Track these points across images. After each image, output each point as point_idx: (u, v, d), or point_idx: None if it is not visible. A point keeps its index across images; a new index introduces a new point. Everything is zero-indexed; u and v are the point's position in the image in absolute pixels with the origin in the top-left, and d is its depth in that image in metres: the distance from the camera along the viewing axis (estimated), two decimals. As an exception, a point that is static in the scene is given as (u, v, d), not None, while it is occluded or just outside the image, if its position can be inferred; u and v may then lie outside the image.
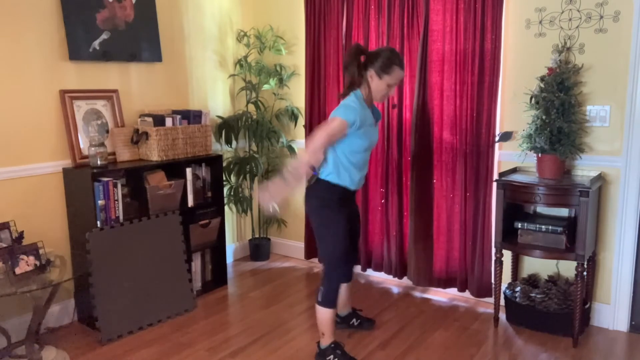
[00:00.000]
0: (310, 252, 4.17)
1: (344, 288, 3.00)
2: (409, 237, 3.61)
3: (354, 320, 3.09)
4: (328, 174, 2.64)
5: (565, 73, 2.90)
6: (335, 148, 2.60)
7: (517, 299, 3.14)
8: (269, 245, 4.40)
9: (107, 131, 3.30)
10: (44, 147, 3.03)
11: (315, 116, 3.97)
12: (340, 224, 2.65)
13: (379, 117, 2.84)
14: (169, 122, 3.38)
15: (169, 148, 3.36)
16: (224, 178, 3.92)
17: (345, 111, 2.54)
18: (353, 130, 2.54)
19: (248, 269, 4.17)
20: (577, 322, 2.87)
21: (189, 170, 3.49)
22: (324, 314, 2.67)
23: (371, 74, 2.61)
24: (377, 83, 2.61)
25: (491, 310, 3.28)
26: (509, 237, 3.05)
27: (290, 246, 4.43)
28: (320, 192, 2.67)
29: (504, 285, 3.31)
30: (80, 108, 3.17)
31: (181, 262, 3.37)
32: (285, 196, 2.45)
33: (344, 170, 2.63)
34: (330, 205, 2.65)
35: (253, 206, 4.32)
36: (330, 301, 2.66)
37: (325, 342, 2.71)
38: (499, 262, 3.08)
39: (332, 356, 2.68)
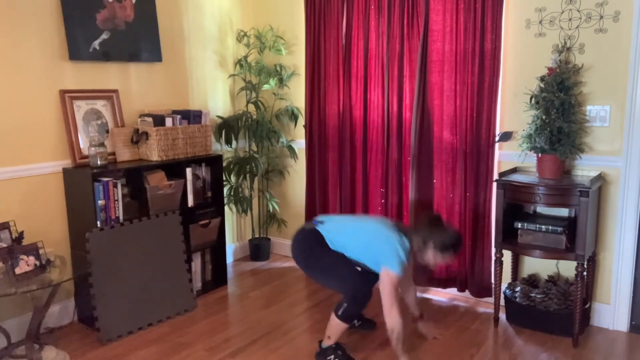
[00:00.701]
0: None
1: None
2: (409, 237, 3.61)
3: (356, 320, 3.09)
4: (332, 242, 2.74)
5: (565, 73, 2.90)
6: (361, 259, 2.73)
7: (517, 299, 3.14)
8: (269, 245, 4.40)
9: (107, 131, 3.30)
10: (44, 147, 3.03)
11: (315, 116, 3.97)
12: (330, 253, 2.73)
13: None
14: (169, 122, 3.38)
15: (169, 148, 3.36)
16: (224, 178, 3.92)
17: (401, 267, 2.61)
18: None
19: (248, 269, 4.17)
20: (577, 322, 2.87)
21: (189, 170, 3.49)
22: (339, 326, 2.67)
23: (429, 244, 2.66)
24: (430, 253, 2.69)
25: (491, 310, 3.28)
26: (509, 237, 3.05)
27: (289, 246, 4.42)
28: (312, 240, 2.77)
29: (504, 285, 3.31)
30: (80, 108, 3.17)
31: (181, 262, 3.37)
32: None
33: (346, 252, 2.74)
34: (319, 246, 2.75)
35: (253, 206, 4.32)
36: (349, 318, 2.67)
37: (328, 343, 2.72)
38: (499, 262, 3.08)
39: (332, 356, 2.69)
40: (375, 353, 2.85)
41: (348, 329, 2.98)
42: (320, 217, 2.90)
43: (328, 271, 2.75)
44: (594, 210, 2.91)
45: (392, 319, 2.60)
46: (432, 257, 2.70)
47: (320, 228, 2.79)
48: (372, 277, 2.80)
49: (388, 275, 2.61)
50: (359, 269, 2.79)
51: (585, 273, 2.91)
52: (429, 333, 2.98)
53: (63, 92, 3.07)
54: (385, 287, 2.61)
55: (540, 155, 2.97)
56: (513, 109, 3.24)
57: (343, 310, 2.64)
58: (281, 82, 4.16)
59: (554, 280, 3.19)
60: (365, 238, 2.74)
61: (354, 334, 3.05)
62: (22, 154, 2.94)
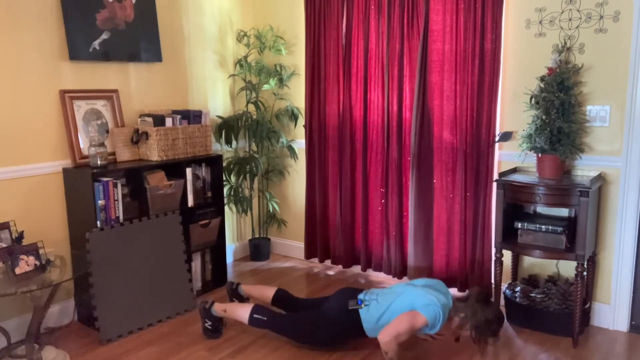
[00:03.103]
0: (310, 252, 4.17)
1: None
2: (409, 237, 3.61)
3: (208, 321, 3.08)
4: (369, 315, 2.72)
5: (565, 73, 2.90)
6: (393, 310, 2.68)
7: (517, 299, 3.14)
8: (269, 245, 4.40)
9: (107, 131, 3.30)
10: (44, 147, 3.03)
11: (315, 116, 3.97)
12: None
13: None
14: (169, 122, 3.38)
15: (169, 148, 3.36)
16: (224, 178, 3.92)
17: (435, 317, 2.57)
18: None
19: (248, 269, 4.16)
20: (577, 322, 2.87)
21: (189, 170, 3.49)
22: (240, 317, 2.89)
23: (467, 326, 2.63)
24: (464, 326, 2.65)
25: (491, 310, 3.27)
26: (509, 237, 3.05)
27: (290, 246, 4.43)
28: (349, 320, 2.76)
29: (504, 285, 3.31)
30: (80, 108, 3.17)
31: (181, 262, 3.37)
32: None
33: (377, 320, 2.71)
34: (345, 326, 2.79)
35: (253, 206, 4.32)
36: (252, 324, 2.87)
37: (220, 314, 2.96)
38: (499, 262, 3.08)
39: (210, 323, 2.96)
40: (375, 353, 2.85)
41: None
42: (366, 295, 2.82)
43: (316, 315, 2.86)
44: (594, 210, 2.91)
45: (389, 346, 2.56)
46: (463, 329, 2.66)
47: (362, 311, 2.74)
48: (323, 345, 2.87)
49: (414, 315, 2.57)
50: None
51: (585, 273, 2.92)
52: (428, 335, 2.97)
53: (63, 92, 3.07)
54: (403, 320, 2.57)
55: (540, 155, 2.97)
56: (513, 109, 3.24)
57: (256, 322, 2.85)
58: (281, 82, 4.16)
59: (554, 280, 3.19)
60: (411, 293, 2.69)
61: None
62: (22, 154, 2.94)
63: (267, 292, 3.11)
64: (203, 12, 3.91)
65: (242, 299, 3.24)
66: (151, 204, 3.26)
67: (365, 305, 2.74)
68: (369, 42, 3.65)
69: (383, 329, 2.62)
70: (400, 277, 3.75)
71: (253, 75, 4.15)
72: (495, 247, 3.07)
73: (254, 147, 4.21)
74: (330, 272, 4.05)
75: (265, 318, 2.84)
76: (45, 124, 3.03)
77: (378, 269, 3.88)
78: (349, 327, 2.78)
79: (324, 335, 2.82)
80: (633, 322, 3.07)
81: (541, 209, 3.23)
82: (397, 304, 2.68)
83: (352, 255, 3.99)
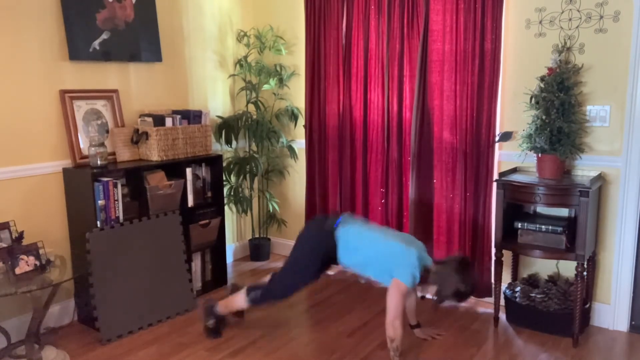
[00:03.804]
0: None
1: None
2: (409, 237, 3.61)
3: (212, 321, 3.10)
4: (342, 249, 2.75)
5: (565, 73, 2.90)
6: (369, 267, 2.76)
7: (517, 299, 3.14)
8: (269, 245, 4.40)
9: (107, 131, 3.30)
10: (44, 147, 3.03)
11: (315, 116, 3.97)
12: (315, 258, 2.82)
13: None
14: (169, 122, 3.38)
15: (169, 148, 3.36)
16: (224, 178, 3.92)
17: (412, 281, 2.63)
18: None
19: (248, 269, 4.16)
20: (577, 322, 2.87)
21: (189, 170, 3.49)
22: (240, 304, 2.93)
23: (446, 285, 2.66)
24: (437, 290, 2.69)
25: (491, 310, 3.27)
26: (509, 237, 3.05)
27: (290, 246, 4.40)
28: (323, 240, 2.80)
29: (504, 285, 3.31)
30: (80, 108, 3.17)
31: (181, 262, 3.37)
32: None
33: (354, 263, 2.79)
34: (321, 250, 2.80)
35: (253, 206, 4.32)
36: (253, 304, 2.90)
37: (220, 310, 2.98)
38: (499, 262, 3.08)
39: (213, 321, 2.98)
40: (375, 353, 2.85)
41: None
42: (345, 217, 2.89)
43: (292, 257, 2.90)
44: (594, 210, 2.91)
45: (394, 329, 2.62)
46: (435, 293, 2.70)
47: (338, 232, 2.78)
48: (308, 282, 2.94)
49: (398, 286, 2.62)
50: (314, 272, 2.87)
51: (585, 273, 2.91)
52: (428, 335, 2.98)
53: (63, 92, 3.07)
54: (394, 297, 2.62)
55: (540, 155, 2.97)
56: (513, 109, 3.24)
57: (254, 297, 2.87)
58: (281, 82, 4.16)
59: (554, 280, 3.19)
60: (383, 248, 2.74)
61: (354, 333, 3.05)
62: (22, 154, 2.94)
63: (238, 297, 2.98)
64: (203, 12, 3.91)
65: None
66: (151, 204, 3.26)
67: (342, 225, 2.80)
68: (369, 42, 3.65)
69: (386, 321, 2.64)
70: (400, 277, 3.75)
71: (253, 75, 4.14)
72: (495, 247, 3.07)
73: (254, 147, 4.21)
74: (330, 272, 4.05)
75: (260, 291, 2.89)
76: (45, 124, 3.03)
77: (378, 269, 3.87)
78: (328, 250, 2.79)
79: (311, 267, 2.85)
80: (633, 322, 3.07)
81: (541, 209, 3.22)
82: (376, 263, 2.73)
83: (352, 255, 3.99)
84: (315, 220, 3.01)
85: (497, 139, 3.22)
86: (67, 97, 3.09)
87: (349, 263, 2.79)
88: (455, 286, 2.63)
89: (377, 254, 2.73)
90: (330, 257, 2.81)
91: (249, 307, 2.96)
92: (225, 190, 4.02)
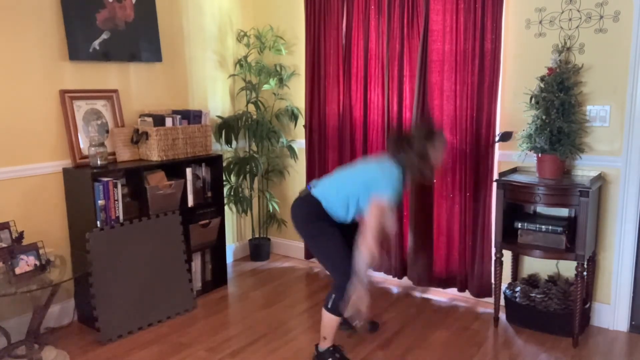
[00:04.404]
0: (310, 252, 4.17)
1: None
2: (409, 237, 3.61)
3: (357, 321, 3.08)
4: (327, 203, 2.66)
5: (565, 73, 2.90)
6: (354, 196, 2.63)
7: (517, 299, 3.14)
8: (269, 245, 4.40)
9: (107, 131, 3.30)
10: (44, 147, 3.03)
11: (315, 116, 3.97)
12: (329, 229, 2.66)
13: (407, 187, 2.87)
14: (169, 122, 3.38)
15: (169, 148, 3.36)
16: (224, 178, 3.92)
17: (392, 191, 2.55)
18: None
19: (248, 269, 4.17)
20: (577, 322, 2.87)
21: (189, 170, 3.49)
22: (331, 321, 2.64)
23: (424, 145, 2.62)
24: (433, 152, 2.64)
25: (491, 310, 3.27)
26: (509, 237, 3.05)
27: (290, 246, 4.43)
28: (309, 206, 2.70)
29: (504, 285, 3.31)
30: (80, 108, 3.17)
31: (181, 262, 3.37)
32: (367, 300, 2.57)
33: (347, 209, 2.67)
34: (320, 218, 2.68)
35: (253, 206, 4.32)
36: (340, 309, 2.62)
37: (324, 345, 2.69)
38: (499, 262, 3.08)
39: (330, 359, 2.67)
40: (375, 353, 2.85)
41: (350, 331, 2.99)
42: (313, 182, 2.82)
43: (324, 252, 2.70)
44: (594, 210, 2.91)
45: (368, 245, 2.50)
46: (438, 152, 2.65)
47: (314, 191, 2.71)
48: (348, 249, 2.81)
49: (378, 200, 2.53)
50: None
51: (585, 273, 2.91)
52: (358, 310, 2.68)
53: (63, 92, 3.07)
54: (372, 212, 2.52)
55: (540, 155, 2.97)
56: (513, 109, 3.24)
57: (333, 302, 2.61)
58: (281, 82, 4.16)
59: (554, 280, 3.19)
60: (357, 178, 2.66)
61: (354, 334, 3.05)
62: (22, 154, 2.94)
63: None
64: (203, 12, 3.91)
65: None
66: (151, 204, 3.26)
67: (313, 187, 2.72)
68: (369, 42, 3.65)
69: (361, 242, 2.52)
70: (400, 277, 3.75)
71: (253, 75, 4.14)
72: (495, 247, 3.07)
73: (254, 147, 4.21)
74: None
75: (331, 296, 2.64)
76: (45, 124, 3.03)
77: (378, 269, 3.88)
78: (325, 217, 2.68)
79: (336, 238, 2.65)
80: (633, 322, 3.07)
81: (541, 209, 3.22)
82: (357, 194, 2.63)
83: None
84: (294, 207, 2.82)
85: (497, 139, 3.22)
86: (67, 97, 3.09)
87: (342, 214, 2.68)
88: (428, 158, 2.61)
89: (354, 186, 2.63)
90: (335, 222, 2.72)
91: (335, 317, 2.64)
92: (225, 190, 4.02)
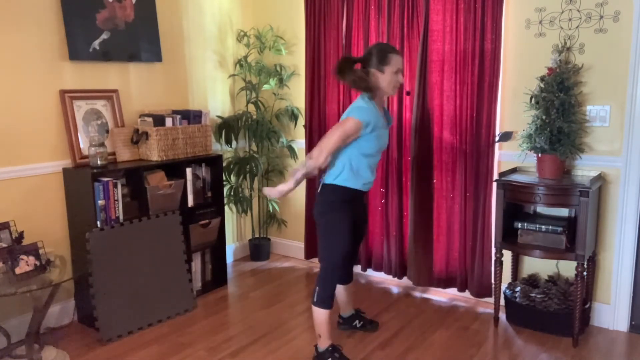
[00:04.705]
0: (310, 252, 4.17)
1: (345, 289, 3.00)
2: (409, 237, 3.61)
3: (357, 321, 3.08)
4: (335, 177, 2.63)
5: (565, 73, 2.90)
6: (345, 150, 2.59)
7: (517, 299, 3.14)
8: (269, 245, 4.40)
9: (107, 131, 3.30)
10: (44, 147, 3.03)
11: (315, 116, 3.97)
12: (345, 227, 2.62)
13: (390, 121, 2.85)
14: (169, 122, 3.38)
15: (169, 148, 3.36)
16: (224, 178, 3.92)
17: (360, 112, 2.53)
18: (366, 132, 2.53)
19: (248, 269, 4.17)
20: (577, 322, 2.87)
21: (189, 170, 3.49)
22: (320, 315, 2.64)
23: (373, 72, 2.60)
24: (382, 77, 2.59)
25: (491, 310, 3.28)
26: (509, 237, 3.05)
27: (290, 246, 4.43)
28: (327, 196, 2.66)
29: (504, 285, 3.31)
30: (80, 108, 3.17)
31: (181, 262, 3.37)
32: (287, 191, 2.56)
33: (352, 173, 2.61)
34: (336, 207, 2.63)
35: (253, 206, 4.32)
36: (325, 301, 2.63)
37: (323, 345, 2.68)
38: (499, 262, 3.08)
39: (329, 359, 2.66)
40: (375, 353, 2.85)
41: (343, 326, 3.02)
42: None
43: (325, 237, 2.66)
44: (594, 210, 2.91)
45: (318, 155, 2.47)
46: (388, 77, 2.58)
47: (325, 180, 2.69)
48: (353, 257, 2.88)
49: (344, 121, 2.51)
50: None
51: (585, 273, 2.91)
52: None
53: (63, 92, 3.07)
54: (335, 126, 2.50)
55: (540, 155, 2.97)
56: (513, 109, 3.24)
57: (317, 295, 2.62)
58: (281, 82, 4.16)
59: (554, 280, 3.19)
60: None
61: (354, 334, 3.05)
62: (22, 154, 2.94)
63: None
64: (203, 12, 3.91)
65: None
66: (151, 204, 3.26)
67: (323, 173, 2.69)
68: (369, 42, 3.65)
69: (315, 148, 2.50)
70: (400, 277, 3.75)
71: (253, 75, 4.15)
72: (495, 247, 3.07)
73: (254, 147, 4.21)
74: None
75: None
76: (45, 124, 3.03)
77: (378, 269, 3.88)
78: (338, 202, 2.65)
79: (336, 239, 2.63)
80: (633, 322, 3.07)
81: (541, 209, 3.23)
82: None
83: (352, 255, 3.99)
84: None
85: (497, 139, 3.22)
86: (67, 97, 3.09)
87: (337, 172, 2.64)
88: (376, 54, 2.57)
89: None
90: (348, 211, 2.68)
91: (323, 310, 2.63)
92: (225, 190, 4.02)
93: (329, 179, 2.65)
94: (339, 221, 2.62)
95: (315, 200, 2.74)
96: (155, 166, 3.33)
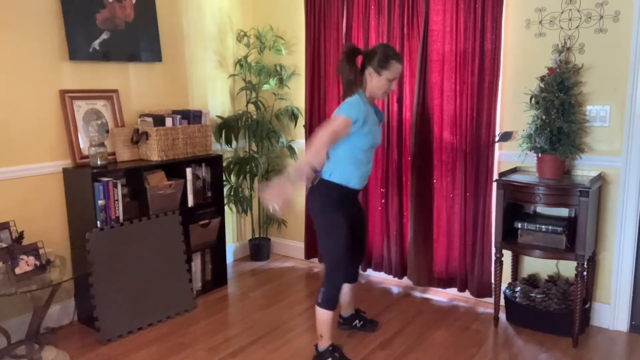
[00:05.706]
0: (310, 252, 4.17)
1: (348, 289, 3.00)
2: (409, 237, 3.61)
3: (357, 321, 3.08)
4: (330, 174, 2.63)
5: (565, 73, 2.90)
6: (338, 147, 2.59)
7: (517, 299, 3.14)
8: (269, 245, 4.40)
9: (107, 131, 3.30)
10: (44, 147, 3.03)
11: (315, 116, 3.97)
12: (342, 225, 2.62)
13: (381, 117, 2.84)
14: (169, 122, 3.38)
15: (169, 148, 3.36)
16: (224, 178, 3.92)
17: (349, 109, 2.53)
18: (356, 128, 2.53)
19: (248, 269, 4.17)
20: (577, 322, 2.87)
21: (189, 170, 3.49)
22: (323, 316, 2.64)
23: (369, 71, 2.60)
24: (377, 80, 2.60)
25: (491, 310, 3.28)
26: (509, 237, 3.05)
27: (290, 246, 4.43)
28: (323, 193, 2.66)
29: (504, 285, 3.31)
30: (80, 108, 3.17)
31: (181, 262, 3.37)
32: (288, 196, 2.42)
33: (346, 170, 2.61)
34: (332, 205, 2.63)
35: (253, 206, 4.32)
36: (330, 303, 2.63)
37: (323, 344, 2.68)
38: (499, 262, 3.08)
39: (330, 359, 2.67)
40: (375, 353, 2.85)
41: (343, 326, 3.02)
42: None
43: (324, 235, 2.65)
44: (594, 210, 2.91)
45: (314, 155, 2.43)
46: (382, 81, 2.59)
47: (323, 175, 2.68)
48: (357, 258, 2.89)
49: (331, 120, 2.50)
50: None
51: (585, 273, 2.91)
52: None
53: (63, 92, 3.07)
54: (323, 128, 2.46)
55: (540, 155, 2.97)
56: (513, 109, 3.24)
57: (322, 296, 2.62)
58: (281, 82, 4.16)
59: (554, 280, 3.19)
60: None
61: (354, 334, 3.05)
62: (22, 154, 2.94)
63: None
64: (203, 12, 3.91)
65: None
66: (151, 204, 3.26)
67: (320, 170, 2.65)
68: (369, 42, 3.65)
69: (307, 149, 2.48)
70: (400, 277, 3.75)
71: (253, 75, 4.15)
72: (495, 247, 3.07)
73: (254, 147, 4.21)
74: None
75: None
76: (45, 124, 3.03)
77: (378, 268, 3.88)
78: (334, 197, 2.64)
79: (334, 238, 2.62)
80: (633, 322, 3.07)
81: (541, 209, 3.23)
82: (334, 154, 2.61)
83: (352, 255, 3.99)
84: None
85: (497, 139, 3.22)
86: (67, 97, 3.09)
87: (329, 168, 2.64)
88: (379, 55, 2.57)
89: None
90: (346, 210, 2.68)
91: (327, 312, 2.63)
92: (225, 190, 4.02)
93: (325, 174, 2.65)
94: (335, 218, 2.62)
95: (310, 194, 2.73)
96: (155, 166, 3.33)
